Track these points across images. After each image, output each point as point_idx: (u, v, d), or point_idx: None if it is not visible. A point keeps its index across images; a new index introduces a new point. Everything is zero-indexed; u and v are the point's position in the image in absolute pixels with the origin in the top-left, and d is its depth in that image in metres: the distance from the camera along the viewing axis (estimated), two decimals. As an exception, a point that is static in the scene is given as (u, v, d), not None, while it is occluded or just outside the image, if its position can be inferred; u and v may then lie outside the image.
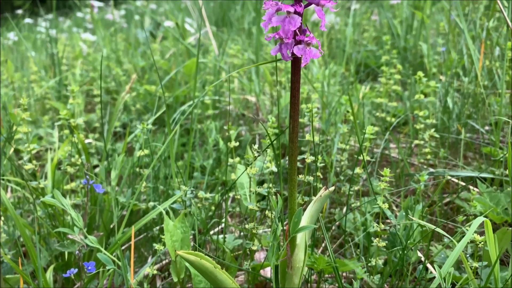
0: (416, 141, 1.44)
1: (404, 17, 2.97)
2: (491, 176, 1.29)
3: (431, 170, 1.53)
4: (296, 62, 0.81)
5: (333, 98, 1.95)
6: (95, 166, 1.99)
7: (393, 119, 1.61)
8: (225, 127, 2.07)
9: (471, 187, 1.44)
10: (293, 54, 0.78)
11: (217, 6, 5.08)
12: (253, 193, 1.02)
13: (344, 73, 2.52)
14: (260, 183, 1.56)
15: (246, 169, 1.05)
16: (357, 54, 2.78)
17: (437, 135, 1.36)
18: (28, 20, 5.52)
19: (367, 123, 1.74)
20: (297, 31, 0.77)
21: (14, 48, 4.51)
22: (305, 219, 0.88)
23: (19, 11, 5.97)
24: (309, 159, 1.08)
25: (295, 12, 0.76)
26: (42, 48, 4.20)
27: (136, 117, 2.11)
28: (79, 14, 5.54)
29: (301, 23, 0.77)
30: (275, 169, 1.03)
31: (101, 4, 5.56)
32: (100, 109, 1.50)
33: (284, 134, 1.90)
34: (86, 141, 1.71)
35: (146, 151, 1.15)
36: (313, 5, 0.80)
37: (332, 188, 0.91)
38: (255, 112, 2.37)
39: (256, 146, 1.94)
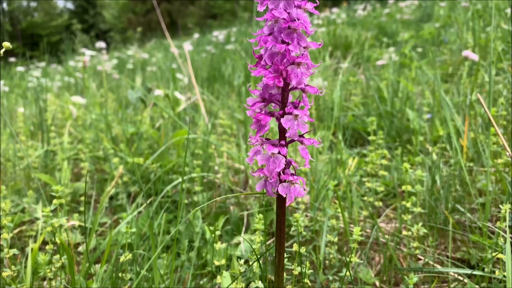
0: (404, 233, 1.43)
1: (390, 80, 3.05)
2: (481, 273, 1.28)
3: (420, 257, 1.52)
4: (281, 197, 0.81)
5: (322, 172, 1.96)
6: (78, 244, 1.93)
7: (380, 204, 1.61)
8: (214, 198, 2.05)
9: (460, 278, 1.42)
10: (277, 191, 0.78)
11: (208, 58, 5.18)
12: (238, 311, 0.99)
13: (333, 140, 2.54)
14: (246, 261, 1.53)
15: (232, 282, 1.02)
16: (344, 118, 2.82)
17: (425, 230, 1.36)
18: (20, 68, 5.55)
19: (355, 203, 1.73)
20: (281, 171, 0.77)
21: (4, 98, 4.50)
22: None
23: (12, 59, 6.02)
24: (296, 270, 1.06)
25: (279, 153, 0.76)
26: (32, 100, 4.20)
27: (123, 190, 2.09)
28: (71, 63, 5.59)
29: (285, 163, 0.77)
30: (261, 285, 1.00)
31: (93, 53, 5.63)
32: (84, 214, 1.47)
33: (272, 211, 1.88)
34: (70, 223, 1.67)
35: (129, 256, 1.12)
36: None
37: (319, 316, 0.88)
38: (244, 179, 2.36)
39: (244, 222, 1.91)
